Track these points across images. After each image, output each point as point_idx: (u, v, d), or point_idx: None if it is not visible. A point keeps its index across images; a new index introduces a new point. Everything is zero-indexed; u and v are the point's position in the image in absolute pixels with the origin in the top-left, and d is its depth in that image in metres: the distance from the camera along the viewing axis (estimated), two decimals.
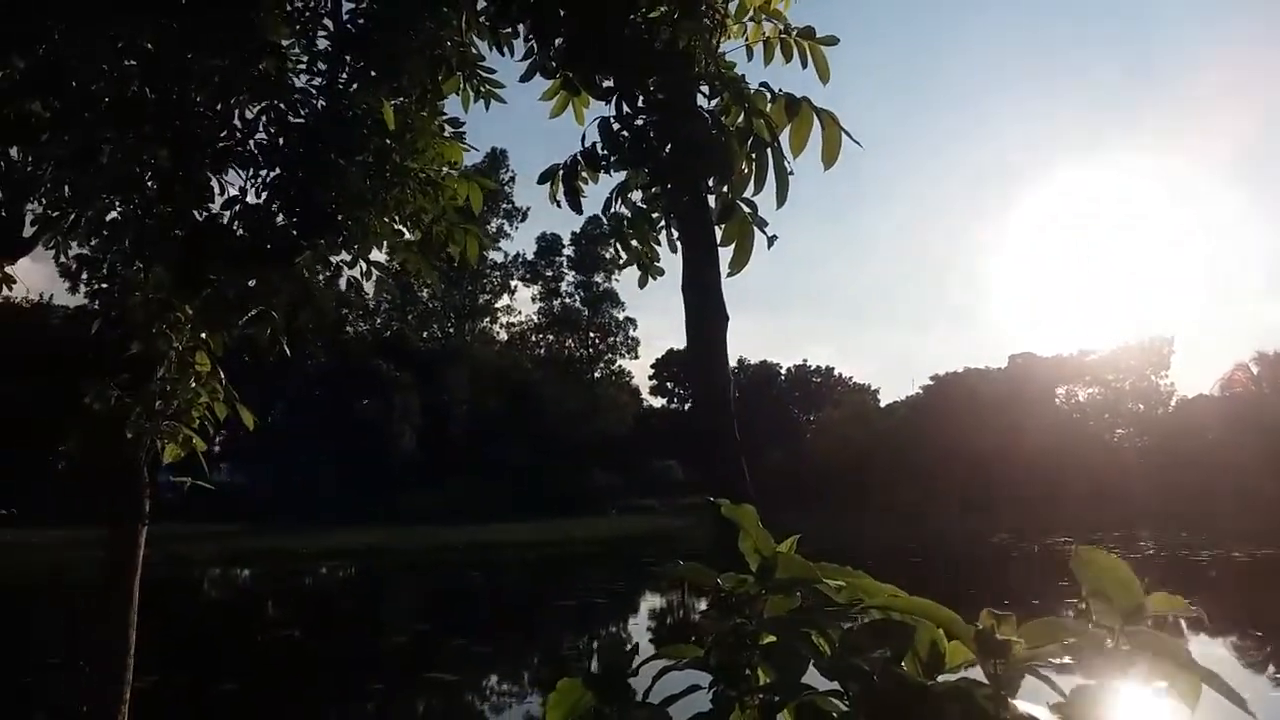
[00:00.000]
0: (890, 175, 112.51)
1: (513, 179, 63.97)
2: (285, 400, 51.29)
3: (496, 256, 67.37)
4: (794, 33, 3.43)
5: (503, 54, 4.36)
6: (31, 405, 34.50)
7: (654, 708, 1.98)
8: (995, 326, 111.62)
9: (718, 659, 1.94)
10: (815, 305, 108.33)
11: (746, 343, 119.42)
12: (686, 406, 77.35)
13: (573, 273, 70.67)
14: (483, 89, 5.03)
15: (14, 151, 5.02)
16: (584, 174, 3.53)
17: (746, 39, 3.48)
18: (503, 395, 58.42)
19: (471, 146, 4.53)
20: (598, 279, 69.18)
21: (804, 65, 3.45)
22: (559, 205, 3.48)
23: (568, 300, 71.33)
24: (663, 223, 3.50)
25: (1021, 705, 1.57)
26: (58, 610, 22.19)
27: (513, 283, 70.92)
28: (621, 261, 3.57)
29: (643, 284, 3.54)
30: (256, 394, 44.41)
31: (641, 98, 3.37)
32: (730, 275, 3.36)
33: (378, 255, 5.04)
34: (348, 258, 4.42)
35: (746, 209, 3.34)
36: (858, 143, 3.34)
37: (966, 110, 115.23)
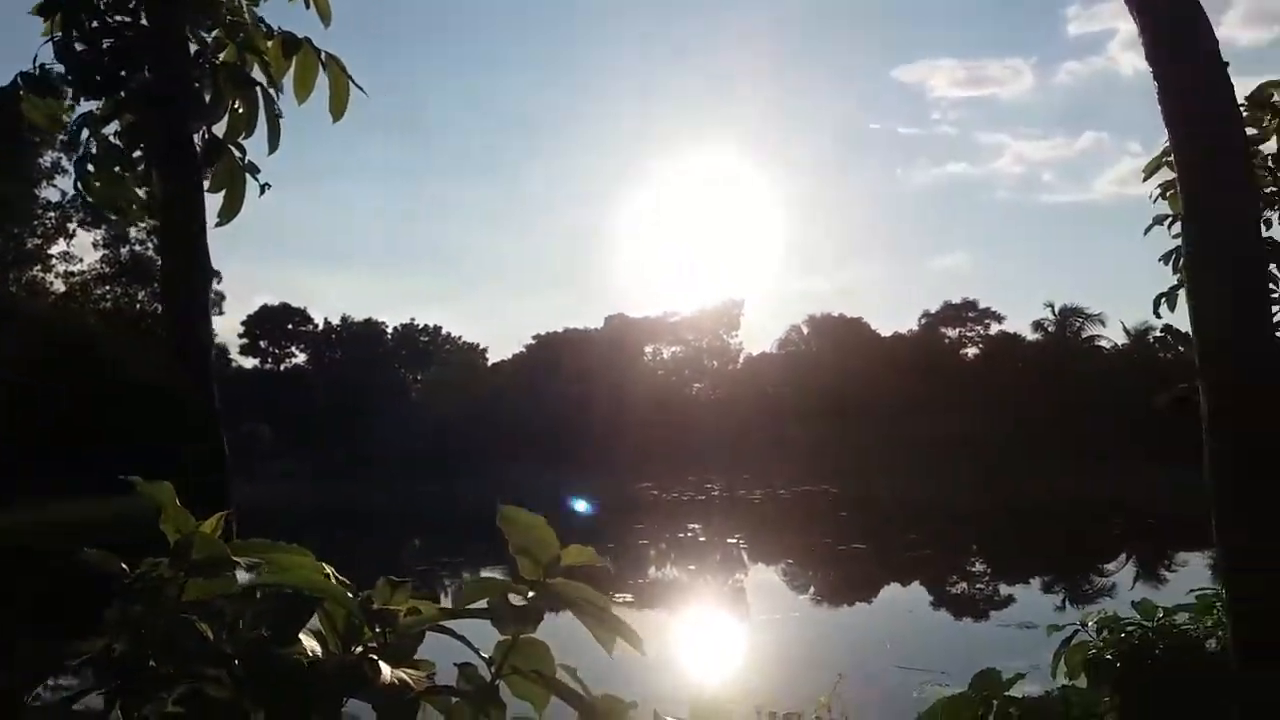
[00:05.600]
0: (508, 148, 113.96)
1: (71, 107, 55.43)
2: None
3: (51, 195, 57.99)
4: None
5: None
6: None
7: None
8: (598, 292, 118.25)
9: (119, 652, 1.75)
10: (428, 266, 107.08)
11: (352, 300, 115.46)
12: (282, 367, 73.31)
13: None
14: None
15: None
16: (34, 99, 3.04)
17: None
18: (59, 353, 50.96)
19: None
20: None
21: (307, 6, 3.22)
22: None
23: (138, 248, 63.50)
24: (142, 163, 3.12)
25: (386, 672, 1.52)
26: None
27: (71, 225, 61.70)
28: (87, 204, 3.13)
29: (121, 231, 3.15)
30: None
31: (110, 19, 2.96)
32: (219, 225, 3.09)
33: None
34: None
35: (237, 153, 3.07)
36: (363, 90, 3.20)
37: (579, 90, 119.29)
